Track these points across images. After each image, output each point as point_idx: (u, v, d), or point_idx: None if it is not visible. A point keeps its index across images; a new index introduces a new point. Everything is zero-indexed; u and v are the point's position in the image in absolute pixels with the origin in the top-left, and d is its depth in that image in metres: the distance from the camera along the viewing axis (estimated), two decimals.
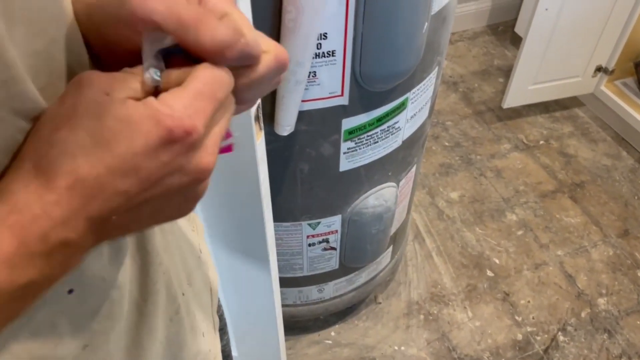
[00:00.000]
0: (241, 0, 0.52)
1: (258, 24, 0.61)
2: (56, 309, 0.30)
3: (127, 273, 0.36)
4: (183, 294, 0.44)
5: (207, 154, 0.26)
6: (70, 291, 0.31)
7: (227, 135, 0.30)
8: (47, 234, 0.24)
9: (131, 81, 0.26)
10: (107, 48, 0.31)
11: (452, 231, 1.67)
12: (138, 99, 0.25)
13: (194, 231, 0.52)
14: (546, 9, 1.64)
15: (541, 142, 1.96)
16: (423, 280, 1.55)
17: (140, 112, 0.24)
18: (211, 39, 0.25)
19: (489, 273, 1.57)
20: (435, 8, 0.80)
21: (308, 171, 0.92)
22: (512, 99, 1.91)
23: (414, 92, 0.91)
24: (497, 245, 1.64)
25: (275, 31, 0.68)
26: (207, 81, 0.26)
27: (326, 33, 0.71)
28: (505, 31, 2.47)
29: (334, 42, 0.72)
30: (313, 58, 0.73)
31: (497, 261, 1.60)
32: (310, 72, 0.75)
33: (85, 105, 0.24)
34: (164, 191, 0.26)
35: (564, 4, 1.64)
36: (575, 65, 1.88)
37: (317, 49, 0.72)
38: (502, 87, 2.17)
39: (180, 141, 0.24)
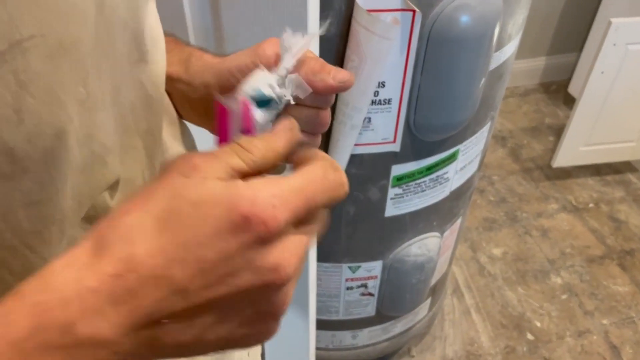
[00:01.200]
0: (310, 47, 0.55)
1: None
2: None
3: None
4: None
5: (285, 256, 0.22)
6: None
7: None
8: (73, 324, 0.20)
9: (228, 160, 0.23)
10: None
11: (493, 288, 1.63)
12: (223, 179, 0.22)
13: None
14: (602, 72, 1.63)
15: (591, 205, 1.91)
16: (459, 336, 1.50)
17: (218, 194, 0.21)
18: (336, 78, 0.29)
19: (529, 336, 1.51)
20: (494, 64, 0.81)
21: (354, 214, 0.93)
22: (563, 159, 1.88)
23: (465, 145, 0.92)
24: (540, 307, 1.58)
25: None
26: (314, 179, 0.23)
27: (384, 82, 0.73)
28: (558, 90, 2.45)
29: (391, 91, 0.74)
30: (369, 104, 0.75)
31: (538, 324, 1.54)
32: (365, 118, 0.77)
33: (162, 187, 0.22)
34: (230, 293, 0.22)
35: (621, 67, 1.62)
36: (630, 130, 1.84)
37: (375, 96, 0.74)
38: (552, 146, 2.14)
39: (253, 231, 0.21)
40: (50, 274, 0.21)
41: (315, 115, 0.31)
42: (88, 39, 0.24)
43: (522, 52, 2.36)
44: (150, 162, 0.34)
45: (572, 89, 2.29)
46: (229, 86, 0.32)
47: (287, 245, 0.22)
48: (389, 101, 0.76)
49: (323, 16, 0.66)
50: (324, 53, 0.65)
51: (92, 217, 0.28)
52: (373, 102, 0.75)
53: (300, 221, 0.23)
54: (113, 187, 0.29)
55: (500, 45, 0.80)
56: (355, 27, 0.66)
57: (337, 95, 0.73)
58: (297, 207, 0.22)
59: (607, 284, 1.65)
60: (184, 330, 0.22)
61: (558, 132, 2.18)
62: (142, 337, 0.21)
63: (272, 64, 0.30)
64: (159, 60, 0.34)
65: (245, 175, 0.24)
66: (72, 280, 0.20)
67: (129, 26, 0.29)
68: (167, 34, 0.38)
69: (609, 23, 1.53)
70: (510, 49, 0.86)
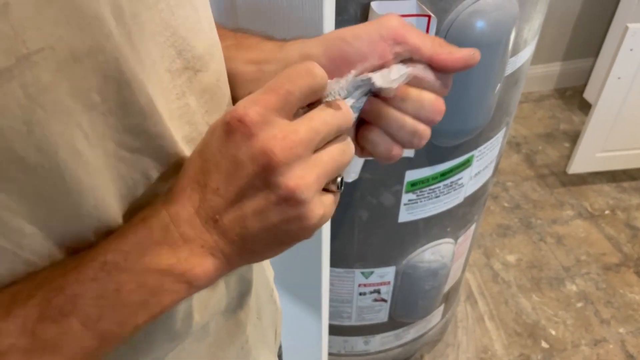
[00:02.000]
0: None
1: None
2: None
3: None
4: (253, 326, 0.45)
5: (275, 141, 0.26)
6: None
7: None
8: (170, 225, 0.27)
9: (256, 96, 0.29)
10: None
11: (507, 296, 1.61)
12: None
13: (267, 270, 0.53)
14: (619, 78, 1.61)
15: (606, 211, 1.89)
16: (473, 344, 1.49)
17: (220, 118, 0.28)
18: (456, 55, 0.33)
19: (544, 344, 1.49)
20: (509, 70, 0.81)
21: (367, 219, 0.93)
22: (578, 165, 1.86)
23: (480, 150, 0.91)
24: (555, 315, 1.56)
25: None
26: (281, 75, 0.28)
27: None
28: (573, 96, 2.43)
29: None
30: None
31: (553, 332, 1.52)
32: None
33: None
34: (246, 183, 0.27)
35: (638, 73, 1.60)
36: None
37: None
38: (567, 152, 2.12)
39: (235, 130, 0.27)
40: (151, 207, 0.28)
41: (433, 101, 0.33)
42: (110, 47, 0.24)
43: (538, 57, 2.34)
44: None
45: (588, 95, 2.26)
46: (340, 54, 0.33)
47: (276, 135, 0.26)
48: None
49: (338, 21, 0.66)
50: None
51: (135, 208, 0.29)
52: None
53: (312, 141, 0.27)
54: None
55: (515, 50, 0.80)
56: None
57: None
58: (267, 100, 0.27)
59: (623, 292, 1.63)
60: (233, 223, 0.28)
61: (573, 138, 2.16)
62: (213, 233, 0.28)
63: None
64: (211, 67, 0.34)
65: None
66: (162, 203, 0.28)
67: (163, 34, 0.29)
68: (254, 34, 0.41)
69: (626, 28, 1.52)
70: (526, 54, 0.85)
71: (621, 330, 1.53)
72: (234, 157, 0.27)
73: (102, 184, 0.27)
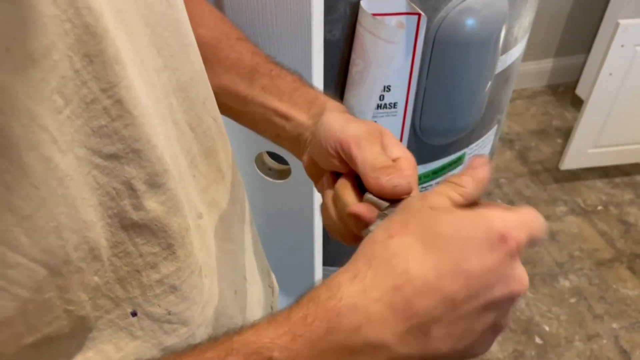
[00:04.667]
0: (314, 53, 0.55)
1: (327, 74, 0.64)
2: None
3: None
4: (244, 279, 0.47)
5: (523, 271, 0.26)
6: None
7: None
8: (359, 328, 0.24)
9: (447, 194, 0.29)
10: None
11: None
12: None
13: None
14: (610, 74, 1.61)
15: (599, 207, 1.90)
16: None
17: (473, 217, 0.26)
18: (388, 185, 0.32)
19: (538, 340, 1.50)
20: (500, 68, 0.81)
21: None
22: (571, 161, 1.87)
23: (471, 148, 0.91)
24: (548, 311, 1.57)
25: (341, 81, 0.71)
26: (534, 217, 0.28)
27: (390, 85, 0.73)
28: (565, 92, 2.44)
29: (397, 95, 0.74)
30: (375, 109, 0.75)
31: (547, 328, 1.53)
32: None
33: (415, 217, 0.27)
34: (486, 303, 0.25)
35: (630, 69, 1.61)
36: (639, 132, 1.83)
37: (380, 100, 0.74)
38: (560, 148, 2.12)
39: (508, 246, 0.25)
40: (338, 286, 0.25)
41: None
42: (63, 46, 0.24)
43: (530, 54, 2.35)
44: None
45: (580, 91, 2.27)
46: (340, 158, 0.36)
47: (523, 274, 0.26)
48: (394, 105, 0.75)
49: (328, 20, 0.66)
50: (329, 58, 0.65)
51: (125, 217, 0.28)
52: (378, 106, 0.75)
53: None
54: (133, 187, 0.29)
55: (506, 48, 0.80)
56: (360, 31, 0.66)
57: (342, 99, 0.73)
58: (528, 234, 0.26)
59: (616, 287, 1.64)
60: (444, 340, 0.25)
61: (566, 134, 2.16)
62: (412, 343, 0.24)
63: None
64: (186, 66, 0.34)
65: (460, 205, 0.29)
66: (358, 291, 0.25)
67: (144, 32, 0.28)
68: (291, 72, 0.43)
69: (617, 24, 1.52)
70: (517, 52, 0.85)
71: (614, 325, 1.54)
72: (492, 272, 0.25)
73: (78, 193, 0.26)
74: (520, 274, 0.26)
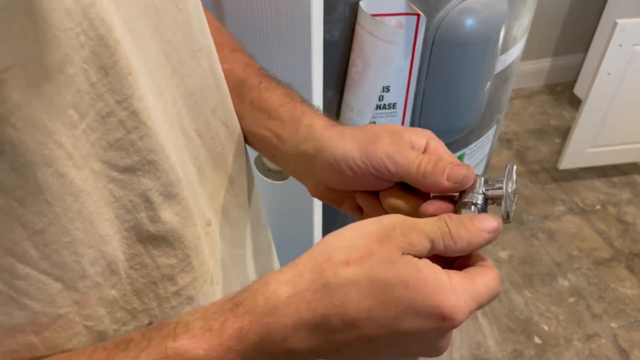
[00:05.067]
0: (314, 53, 0.55)
1: (326, 74, 0.64)
2: None
3: None
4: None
5: (447, 342, 0.28)
6: None
7: None
8: (285, 340, 0.26)
9: (433, 236, 0.28)
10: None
11: (500, 292, 1.62)
12: (420, 257, 0.28)
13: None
14: (608, 73, 1.62)
15: (597, 207, 1.90)
16: (466, 341, 1.49)
17: (428, 284, 0.26)
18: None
19: (537, 340, 1.50)
20: (499, 68, 0.81)
21: (360, 218, 0.93)
22: (569, 161, 1.87)
23: (470, 148, 0.91)
24: (547, 311, 1.57)
25: (341, 82, 0.71)
26: (490, 290, 0.29)
27: (389, 86, 0.73)
28: (563, 92, 2.44)
29: (396, 95, 0.74)
30: (374, 109, 0.74)
31: (546, 328, 1.53)
32: (370, 122, 0.76)
33: (382, 251, 0.27)
34: (401, 350, 0.28)
35: (627, 68, 1.61)
36: (637, 131, 1.83)
37: (379, 100, 0.74)
38: (558, 148, 2.12)
39: (445, 327, 0.26)
40: (276, 299, 0.27)
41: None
42: (78, 60, 0.23)
43: (528, 53, 2.35)
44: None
45: (578, 91, 2.27)
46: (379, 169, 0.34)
47: (466, 313, 0.27)
48: (393, 105, 0.75)
49: (327, 20, 0.66)
50: (329, 59, 0.65)
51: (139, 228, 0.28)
52: (378, 107, 0.75)
53: None
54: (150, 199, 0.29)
55: (505, 48, 0.80)
56: (359, 31, 0.65)
57: (341, 100, 0.73)
58: (475, 308, 0.28)
59: (615, 286, 1.64)
60: (353, 357, 0.28)
61: (564, 133, 2.17)
62: (324, 354, 0.27)
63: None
64: (195, 72, 0.33)
65: (434, 254, 0.29)
66: (294, 312, 0.26)
67: (153, 39, 0.28)
68: (282, 85, 0.41)
69: (615, 24, 1.52)
70: (516, 51, 0.85)
71: (613, 324, 1.54)
72: (416, 332, 0.27)
73: (94, 208, 0.25)
74: (442, 345, 0.28)
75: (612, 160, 1.93)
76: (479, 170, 1.01)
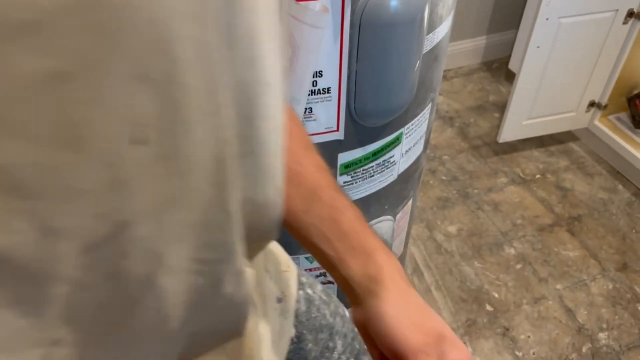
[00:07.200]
0: None
1: None
2: None
3: None
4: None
5: None
6: None
7: None
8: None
9: None
10: None
11: (451, 265, 1.67)
12: None
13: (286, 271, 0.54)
14: (538, 47, 1.68)
15: (537, 176, 1.98)
16: None
17: None
18: None
19: (488, 307, 1.56)
20: (427, 46, 0.83)
21: None
22: (507, 134, 1.94)
23: (408, 127, 0.93)
24: (496, 279, 1.63)
25: None
26: None
27: (322, 71, 0.73)
28: (499, 68, 2.52)
29: (330, 80, 0.75)
30: (309, 95, 0.75)
31: (496, 295, 1.59)
32: (306, 109, 0.77)
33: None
34: None
35: (556, 41, 1.68)
36: (569, 101, 1.92)
37: (313, 86, 0.74)
38: (497, 122, 2.20)
39: None
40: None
41: None
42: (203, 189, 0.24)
43: (463, 33, 2.41)
44: None
45: (513, 66, 2.35)
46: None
47: None
48: (328, 90, 0.76)
49: None
50: None
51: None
52: (312, 92, 0.75)
53: None
54: None
55: (432, 27, 0.82)
56: None
57: None
58: None
59: (558, 250, 1.72)
60: None
61: (502, 108, 2.24)
62: None
63: None
64: (271, 150, 0.31)
65: None
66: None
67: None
68: (351, 204, 0.43)
69: None
70: (443, 30, 0.87)
71: (558, 286, 1.62)
72: None
73: (174, 302, 0.25)
74: None
75: (548, 130, 2.01)
76: (419, 148, 1.03)
